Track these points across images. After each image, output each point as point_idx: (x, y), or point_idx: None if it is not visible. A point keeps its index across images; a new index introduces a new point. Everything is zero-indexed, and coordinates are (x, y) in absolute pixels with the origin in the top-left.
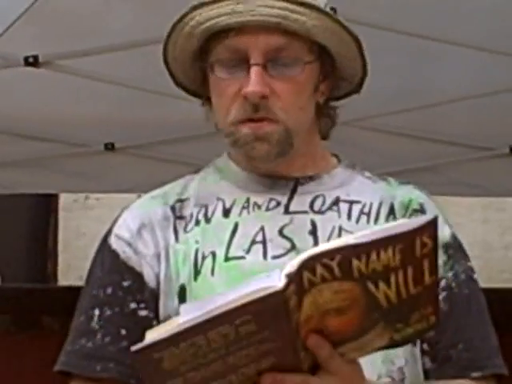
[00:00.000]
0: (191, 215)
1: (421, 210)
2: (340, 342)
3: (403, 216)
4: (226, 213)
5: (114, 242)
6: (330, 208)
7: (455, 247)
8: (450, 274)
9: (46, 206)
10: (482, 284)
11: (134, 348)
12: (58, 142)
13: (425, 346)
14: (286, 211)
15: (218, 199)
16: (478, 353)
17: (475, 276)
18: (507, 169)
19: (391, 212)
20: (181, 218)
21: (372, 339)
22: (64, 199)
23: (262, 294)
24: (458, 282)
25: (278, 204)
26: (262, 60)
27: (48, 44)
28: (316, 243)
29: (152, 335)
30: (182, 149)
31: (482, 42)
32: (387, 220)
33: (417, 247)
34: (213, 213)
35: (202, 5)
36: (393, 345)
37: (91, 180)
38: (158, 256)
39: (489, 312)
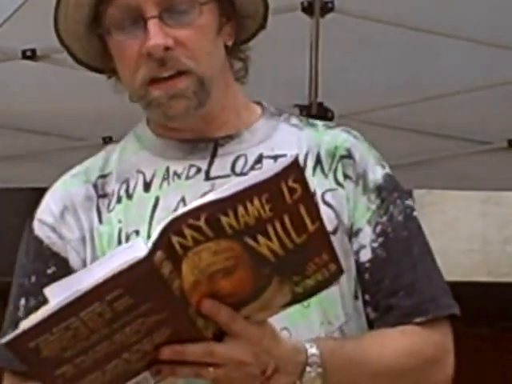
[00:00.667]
0: (113, 192)
1: (348, 156)
2: (239, 304)
3: (330, 164)
4: (147, 187)
5: (37, 228)
6: (252, 167)
7: (389, 189)
8: (384, 219)
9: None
10: (481, 278)
11: (3, 341)
12: (56, 136)
13: (366, 296)
14: (207, 177)
15: (138, 172)
16: (420, 297)
17: (415, 214)
18: (505, 162)
19: (318, 161)
20: (104, 196)
21: (273, 296)
22: None
23: (125, 265)
24: (394, 225)
25: (199, 170)
26: (157, 11)
27: (46, 37)
28: None
29: (24, 324)
30: None
31: (481, 36)
32: (314, 170)
33: (285, 194)
34: (134, 188)
35: None
36: (298, 299)
37: None
38: (83, 240)
39: (486, 304)
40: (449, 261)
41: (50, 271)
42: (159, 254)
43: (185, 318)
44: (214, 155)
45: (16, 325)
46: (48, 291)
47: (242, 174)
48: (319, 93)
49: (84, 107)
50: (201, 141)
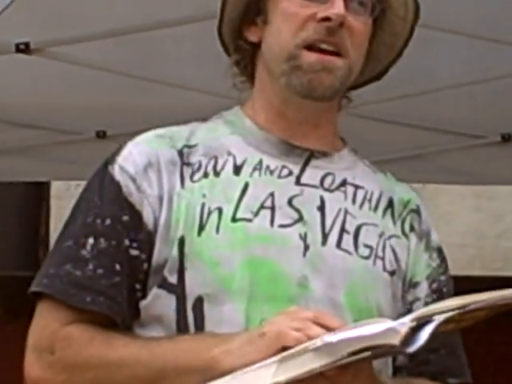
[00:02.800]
0: (199, 164)
1: (417, 212)
2: None
3: (401, 212)
4: (237, 170)
5: (117, 174)
6: (337, 188)
7: (444, 254)
8: (442, 278)
9: (38, 194)
10: (475, 272)
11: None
12: (50, 130)
13: None
14: (298, 182)
15: (229, 154)
16: (458, 359)
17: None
18: (499, 157)
19: (390, 205)
20: (188, 164)
21: None
22: (55, 187)
23: (379, 341)
24: (448, 288)
25: (290, 173)
26: None
27: (39, 31)
28: (323, 219)
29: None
30: None
31: (474, 29)
32: (385, 212)
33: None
34: (222, 167)
35: None
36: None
37: (83, 168)
38: (161, 199)
39: None
40: None
41: (124, 218)
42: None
43: None
44: (306, 164)
45: (79, 262)
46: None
47: (329, 190)
48: None
49: (77, 101)
50: (298, 147)
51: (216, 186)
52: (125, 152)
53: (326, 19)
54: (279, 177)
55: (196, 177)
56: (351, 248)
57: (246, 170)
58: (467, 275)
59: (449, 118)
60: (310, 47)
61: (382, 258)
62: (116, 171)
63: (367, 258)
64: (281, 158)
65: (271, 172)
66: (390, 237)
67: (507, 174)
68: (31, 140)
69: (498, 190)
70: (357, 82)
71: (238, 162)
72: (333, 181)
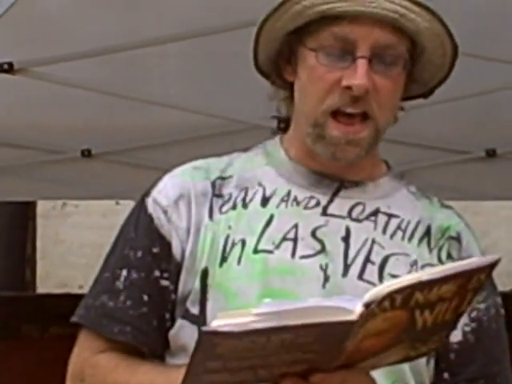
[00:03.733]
0: (230, 195)
1: (457, 239)
2: (363, 359)
3: (438, 240)
4: (265, 202)
5: (150, 206)
6: (367, 218)
7: (489, 282)
8: (481, 306)
9: (24, 213)
10: None
11: (204, 328)
12: (35, 149)
13: (445, 374)
14: (324, 213)
15: (260, 185)
16: None
17: (502, 312)
18: (483, 172)
19: (427, 233)
20: (219, 196)
21: (390, 355)
22: (41, 206)
23: (334, 318)
24: (490, 315)
25: (318, 204)
26: (369, 53)
27: (23, 50)
28: (346, 250)
29: (223, 321)
30: (159, 155)
31: (460, 46)
32: (421, 241)
33: (472, 282)
34: (251, 199)
35: None
36: (404, 360)
37: (68, 187)
38: (189, 231)
39: None
40: None
41: (155, 250)
42: (362, 319)
43: (326, 366)
44: (335, 194)
45: (113, 293)
46: (265, 303)
47: (357, 220)
48: None
49: (62, 120)
50: (328, 177)
51: (242, 218)
52: (160, 184)
53: (349, 88)
54: (305, 208)
55: (225, 208)
56: (375, 279)
57: (273, 202)
58: None
59: (433, 133)
60: (336, 112)
61: None
62: (150, 204)
63: None
64: (310, 189)
65: (298, 203)
66: (424, 266)
67: (492, 189)
68: (16, 159)
69: (482, 206)
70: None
71: (267, 193)
72: (362, 210)
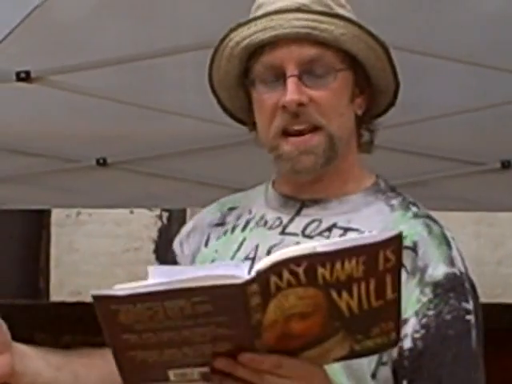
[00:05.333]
0: (228, 223)
1: (412, 248)
2: (303, 347)
3: None
4: (245, 226)
5: (175, 241)
6: (320, 233)
7: (447, 287)
8: (431, 313)
9: (38, 221)
10: None
11: (92, 293)
12: (50, 158)
13: (404, 382)
14: (282, 232)
15: (250, 212)
16: None
17: (468, 317)
18: (498, 183)
19: None
20: (221, 224)
21: (333, 347)
22: (56, 215)
23: (222, 281)
24: (439, 321)
25: (280, 224)
26: (297, 71)
27: (40, 59)
28: None
29: (117, 289)
30: (173, 163)
31: (473, 57)
32: None
33: (380, 261)
34: (239, 224)
35: (238, 26)
36: (352, 356)
37: (83, 195)
38: (192, 259)
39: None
40: None
41: None
42: (254, 286)
43: (248, 345)
44: (297, 213)
45: None
46: (150, 270)
47: (309, 236)
48: None
49: (78, 129)
50: (293, 198)
51: (227, 243)
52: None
53: (285, 106)
54: (269, 228)
55: (220, 235)
56: None
57: (250, 226)
58: None
59: (448, 144)
60: (285, 132)
61: None
62: (176, 239)
63: None
64: (279, 211)
65: (265, 224)
66: None
67: (507, 200)
68: (32, 168)
69: (497, 217)
70: (378, 112)
71: (249, 218)
72: (317, 226)
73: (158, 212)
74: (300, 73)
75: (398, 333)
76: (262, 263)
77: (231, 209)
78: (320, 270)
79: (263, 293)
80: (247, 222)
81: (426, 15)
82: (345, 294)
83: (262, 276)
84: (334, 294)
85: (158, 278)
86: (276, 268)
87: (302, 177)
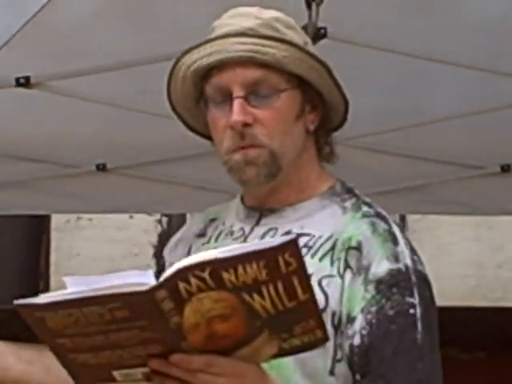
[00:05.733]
0: (207, 235)
1: (357, 248)
2: (233, 347)
3: (339, 252)
4: (217, 237)
5: (165, 247)
6: None
7: (390, 283)
8: (373, 309)
9: (38, 226)
10: (475, 303)
11: (16, 302)
12: (50, 163)
13: (357, 376)
14: (244, 241)
15: (223, 223)
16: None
17: (412, 311)
18: (498, 187)
19: (332, 248)
20: (202, 235)
21: (262, 346)
22: (56, 220)
23: (128, 289)
24: (380, 317)
25: (243, 234)
26: (243, 93)
27: (39, 65)
28: None
29: (41, 298)
30: (173, 169)
31: (472, 61)
32: (325, 255)
33: (281, 265)
34: (213, 235)
35: (190, 49)
36: (284, 354)
37: (83, 201)
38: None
39: (481, 328)
40: (443, 286)
41: None
42: (163, 292)
43: (176, 347)
44: (257, 223)
45: None
46: (67, 280)
47: None
48: None
49: (77, 134)
50: (254, 209)
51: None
52: None
53: (231, 127)
54: (234, 238)
55: (200, 246)
56: None
57: (221, 236)
58: (467, 306)
59: (448, 148)
60: (235, 150)
61: None
62: (166, 246)
63: None
64: (243, 221)
65: (231, 234)
66: (322, 278)
67: (506, 204)
68: (31, 173)
69: (497, 221)
70: (333, 126)
71: (222, 229)
72: (274, 234)
73: (157, 217)
74: (246, 94)
75: (324, 330)
76: (169, 270)
77: (212, 220)
78: (225, 275)
79: (174, 298)
80: (220, 233)
81: (427, 20)
82: (256, 296)
83: (170, 282)
84: (247, 297)
85: (75, 287)
86: (181, 274)
87: (250, 188)
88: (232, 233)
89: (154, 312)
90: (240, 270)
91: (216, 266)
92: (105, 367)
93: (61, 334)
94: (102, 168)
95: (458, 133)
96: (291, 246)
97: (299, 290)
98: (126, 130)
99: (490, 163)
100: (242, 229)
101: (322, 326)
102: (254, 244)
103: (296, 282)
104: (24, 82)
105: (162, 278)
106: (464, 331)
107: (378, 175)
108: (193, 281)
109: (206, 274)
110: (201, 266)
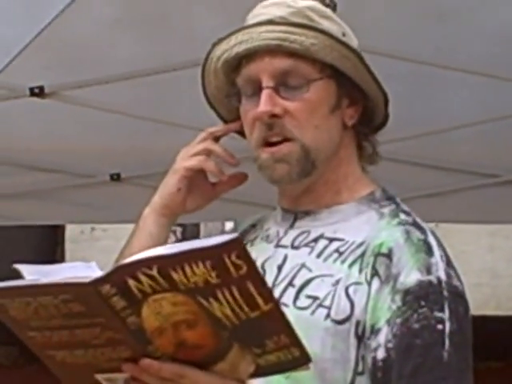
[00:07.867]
0: (245, 240)
1: (387, 255)
2: (209, 360)
3: (368, 258)
4: (253, 241)
5: None
6: (307, 244)
7: (418, 295)
8: (398, 321)
9: (53, 237)
10: (490, 312)
11: None
12: (64, 173)
13: None
14: (277, 244)
15: (262, 227)
16: None
17: (440, 327)
18: None
19: (362, 254)
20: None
21: (238, 361)
22: (70, 230)
23: (71, 280)
24: (404, 330)
25: (277, 237)
26: (273, 83)
27: (53, 74)
28: (277, 276)
29: None
30: None
31: (487, 68)
32: (355, 262)
33: (229, 266)
34: (250, 240)
35: (219, 40)
36: (263, 372)
37: (97, 211)
38: None
39: (496, 338)
40: None
41: None
42: (107, 287)
43: (143, 351)
44: (291, 226)
45: None
46: (21, 267)
47: (296, 247)
48: None
49: (92, 144)
50: (289, 212)
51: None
52: None
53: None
54: (269, 241)
55: None
56: (289, 301)
57: (257, 240)
58: (482, 315)
59: (463, 157)
60: (265, 143)
61: (328, 307)
62: None
63: (304, 308)
64: (279, 225)
65: (267, 238)
66: (350, 285)
67: None
68: (46, 183)
69: None
70: (376, 124)
71: (259, 233)
72: (305, 238)
73: None
74: (276, 85)
75: (301, 348)
76: (112, 266)
77: (253, 225)
78: (175, 275)
79: (126, 296)
80: (255, 237)
81: (440, 28)
82: (213, 301)
83: (112, 277)
84: (203, 301)
85: (31, 275)
86: (127, 270)
87: (282, 186)
88: (267, 236)
89: (106, 308)
90: (187, 269)
91: (162, 262)
92: (84, 368)
93: (28, 326)
94: (116, 178)
95: (473, 141)
96: (236, 246)
97: (259, 299)
98: (141, 139)
99: (505, 171)
100: (277, 232)
101: (297, 343)
102: (198, 242)
103: (252, 288)
104: (38, 92)
105: (106, 271)
106: (478, 340)
107: (393, 184)
108: (143, 279)
109: (154, 272)
110: (146, 262)
